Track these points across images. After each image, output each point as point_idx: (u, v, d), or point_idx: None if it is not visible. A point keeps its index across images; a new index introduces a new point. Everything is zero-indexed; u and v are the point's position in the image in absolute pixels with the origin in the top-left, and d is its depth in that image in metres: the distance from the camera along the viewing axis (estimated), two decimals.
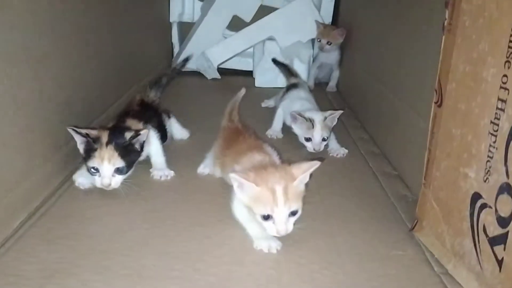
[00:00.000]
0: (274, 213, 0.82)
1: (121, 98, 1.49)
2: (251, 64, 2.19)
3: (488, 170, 0.70)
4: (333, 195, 1.09)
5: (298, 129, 1.34)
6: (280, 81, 1.99)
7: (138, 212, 0.97)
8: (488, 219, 0.70)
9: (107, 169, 1.00)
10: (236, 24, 2.10)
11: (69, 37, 1.11)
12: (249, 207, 0.85)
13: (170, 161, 1.18)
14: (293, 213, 0.84)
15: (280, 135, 1.46)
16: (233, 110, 1.20)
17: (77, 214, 0.95)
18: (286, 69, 1.80)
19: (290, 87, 1.61)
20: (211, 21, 2.07)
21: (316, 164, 0.87)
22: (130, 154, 1.04)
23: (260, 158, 0.96)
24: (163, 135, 1.26)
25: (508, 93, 0.65)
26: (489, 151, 0.70)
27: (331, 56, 1.99)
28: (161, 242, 0.86)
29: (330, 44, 1.92)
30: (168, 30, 2.22)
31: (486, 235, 0.70)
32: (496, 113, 0.68)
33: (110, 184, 1.00)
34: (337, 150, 1.34)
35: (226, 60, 2.07)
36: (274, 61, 1.87)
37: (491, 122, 0.69)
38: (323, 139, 1.30)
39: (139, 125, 1.14)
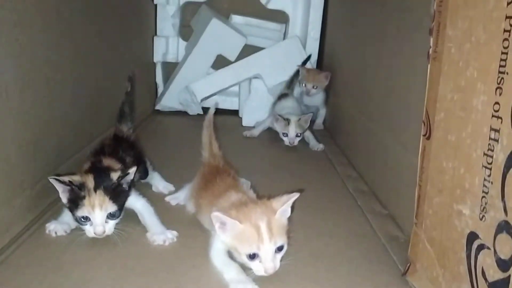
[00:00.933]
0: (261, 251, 0.79)
1: (99, 138, 1.42)
2: (237, 103, 2.15)
3: (484, 207, 0.63)
4: (320, 235, 1.02)
5: (278, 127, 1.68)
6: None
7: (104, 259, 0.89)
8: (486, 261, 0.63)
9: (99, 216, 0.91)
10: (221, 64, 2.07)
11: (40, 71, 1.05)
12: (233, 248, 0.82)
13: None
14: (279, 249, 0.81)
15: (255, 135, 1.82)
16: (211, 140, 1.13)
17: (37, 264, 0.86)
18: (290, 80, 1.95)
19: (281, 96, 1.86)
20: (195, 60, 2.04)
21: (295, 195, 0.85)
22: (120, 196, 0.96)
23: (237, 197, 0.91)
24: (144, 171, 1.22)
25: (502, 122, 0.60)
26: (484, 185, 0.63)
27: (315, 99, 1.96)
28: None
29: (316, 88, 1.89)
30: (152, 69, 2.18)
31: (486, 280, 0.63)
32: (489, 144, 0.62)
33: (104, 232, 0.92)
34: (315, 145, 1.69)
35: (210, 95, 2.02)
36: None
37: (484, 154, 0.63)
38: (297, 135, 1.64)
39: (117, 164, 1.05)
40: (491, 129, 0.62)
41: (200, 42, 2.01)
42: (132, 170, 0.97)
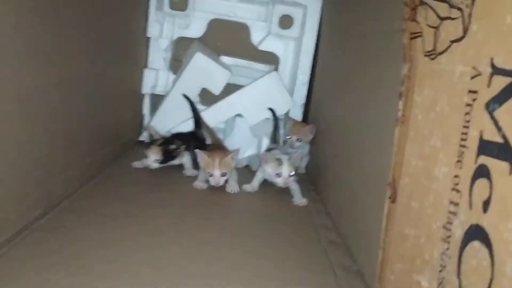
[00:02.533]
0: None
1: (76, 168, 1.40)
2: (222, 139, 2.14)
3: (441, 282, 0.62)
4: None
5: (269, 168, 1.60)
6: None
7: None
8: None
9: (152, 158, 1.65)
10: (208, 97, 2.09)
11: (25, 101, 1.04)
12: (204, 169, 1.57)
13: None
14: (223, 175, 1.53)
15: (256, 189, 1.66)
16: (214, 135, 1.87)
17: None
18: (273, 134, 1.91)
19: (269, 150, 1.79)
20: (179, 93, 2.04)
21: (236, 151, 1.62)
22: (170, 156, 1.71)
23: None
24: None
25: (460, 196, 0.59)
26: (442, 259, 0.62)
27: (299, 149, 1.95)
28: None
29: (300, 141, 1.89)
30: (139, 100, 2.18)
31: None
32: (448, 217, 0.61)
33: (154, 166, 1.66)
34: (299, 199, 1.58)
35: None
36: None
37: (443, 226, 0.62)
38: (290, 175, 1.58)
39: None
40: (450, 202, 0.61)
41: (183, 74, 2.02)
42: (182, 148, 1.71)
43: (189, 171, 1.74)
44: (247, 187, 1.65)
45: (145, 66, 2.16)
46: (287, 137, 1.92)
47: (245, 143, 2.02)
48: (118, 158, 1.82)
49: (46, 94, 1.18)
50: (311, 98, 2.14)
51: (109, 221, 1.20)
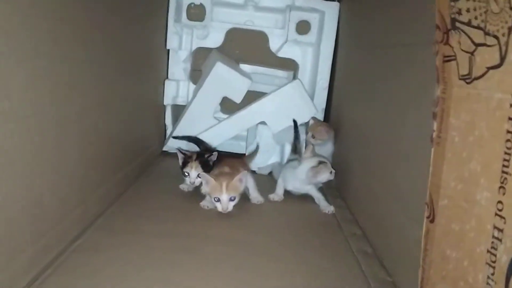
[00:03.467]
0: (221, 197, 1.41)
1: (104, 186, 1.43)
2: (244, 147, 2.17)
3: None
4: None
5: (322, 173, 1.62)
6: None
7: None
8: None
9: (194, 174, 1.63)
10: (229, 105, 2.11)
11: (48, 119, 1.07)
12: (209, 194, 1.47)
13: None
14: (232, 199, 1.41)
15: (282, 198, 1.68)
16: None
17: None
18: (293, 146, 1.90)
19: (289, 161, 1.82)
20: (200, 103, 2.07)
21: (244, 172, 1.48)
22: (206, 166, 1.68)
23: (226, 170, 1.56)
24: None
25: (505, 222, 0.60)
26: (488, 283, 0.63)
27: (322, 150, 1.97)
28: None
29: (314, 138, 1.91)
30: (161, 111, 2.22)
31: None
32: (492, 242, 0.62)
33: (194, 183, 1.63)
34: (326, 207, 1.59)
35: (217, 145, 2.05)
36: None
37: (488, 251, 0.63)
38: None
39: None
40: (495, 227, 0.62)
41: (205, 84, 2.04)
42: (214, 154, 1.70)
43: None
44: (274, 196, 1.66)
45: (166, 77, 2.19)
46: (306, 134, 1.96)
47: (267, 151, 2.05)
48: (144, 171, 1.85)
49: (81, 116, 1.22)
50: (331, 102, 2.15)
51: (145, 239, 1.23)
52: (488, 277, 0.63)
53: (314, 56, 2.16)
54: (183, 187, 1.70)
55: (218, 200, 1.39)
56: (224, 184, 1.39)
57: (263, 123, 2.05)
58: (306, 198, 1.67)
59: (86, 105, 1.25)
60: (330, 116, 2.14)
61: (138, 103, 1.84)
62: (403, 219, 1.10)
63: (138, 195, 1.59)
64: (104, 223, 1.31)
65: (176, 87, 2.21)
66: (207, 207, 1.48)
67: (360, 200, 1.55)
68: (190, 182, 1.63)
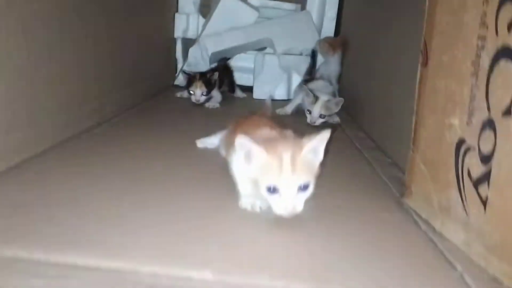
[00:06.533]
0: (281, 184, 0.72)
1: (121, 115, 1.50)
2: (251, 80, 2.22)
3: (471, 112, 0.69)
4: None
5: (306, 102, 1.60)
6: (278, 93, 2.08)
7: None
8: (472, 162, 0.68)
9: (199, 92, 1.79)
10: None
11: (65, 53, 1.14)
12: (255, 180, 0.76)
13: None
14: (303, 188, 0.74)
15: (288, 113, 1.75)
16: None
17: None
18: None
19: (306, 81, 1.87)
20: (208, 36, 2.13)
21: (327, 132, 0.76)
22: (210, 85, 1.82)
23: (269, 133, 0.85)
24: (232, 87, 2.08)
25: (487, 29, 0.65)
26: (471, 92, 0.69)
27: (331, 69, 2.01)
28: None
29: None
30: (172, 45, 2.27)
31: (471, 179, 0.68)
32: (477, 53, 0.68)
33: (199, 100, 1.79)
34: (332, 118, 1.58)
35: (220, 51, 2.10)
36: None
37: (472, 62, 0.69)
38: (321, 116, 1.54)
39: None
40: (479, 37, 0.67)
41: (213, 17, 2.10)
42: (216, 74, 1.82)
43: (211, 103, 1.83)
44: (280, 111, 1.73)
45: (176, 11, 2.24)
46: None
47: (275, 79, 2.09)
48: (156, 96, 1.92)
49: (95, 46, 1.33)
50: (339, 33, 2.19)
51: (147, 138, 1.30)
52: (472, 86, 0.68)
53: None
54: (178, 94, 1.94)
55: (275, 192, 0.74)
56: (287, 158, 0.73)
57: (270, 44, 2.10)
58: None
59: (100, 46, 1.34)
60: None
61: (149, 37, 1.89)
62: (401, 100, 1.16)
63: (148, 110, 1.66)
64: (119, 121, 1.40)
65: (186, 20, 2.25)
66: (250, 206, 0.82)
67: (362, 107, 1.60)
68: (195, 100, 1.78)
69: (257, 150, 0.74)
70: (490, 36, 0.65)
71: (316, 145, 0.76)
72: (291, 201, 0.72)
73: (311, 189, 0.75)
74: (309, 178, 0.74)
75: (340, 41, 1.99)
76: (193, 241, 0.68)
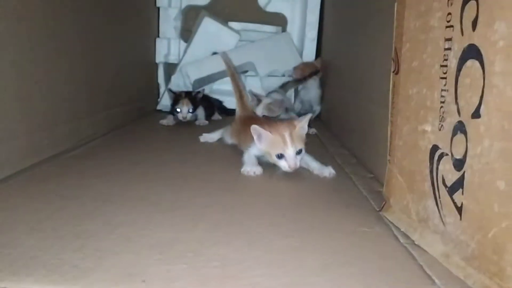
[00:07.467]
0: (285, 152, 1.09)
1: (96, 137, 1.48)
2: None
3: (442, 116, 0.66)
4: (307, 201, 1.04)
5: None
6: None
7: None
8: (446, 168, 0.65)
9: (185, 109, 1.82)
10: None
11: (36, 71, 1.12)
12: (267, 153, 1.13)
13: None
14: (299, 152, 1.10)
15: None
16: (241, 92, 1.49)
17: None
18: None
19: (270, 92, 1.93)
20: (190, 59, 2.12)
21: (308, 115, 1.18)
22: (196, 102, 1.87)
23: (269, 121, 1.26)
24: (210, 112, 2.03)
25: (453, 30, 0.63)
26: (441, 96, 0.66)
27: (311, 93, 2.01)
28: None
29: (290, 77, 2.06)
30: (154, 70, 2.26)
31: (445, 186, 0.65)
32: (444, 55, 0.66)
33: (186, 118, 1.82)
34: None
35: (202, 78, 2.09)
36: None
37: (441, 66, 0.66)
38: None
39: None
40: (445, 39, 0.65)
41: (194, 41, 2.10)
42: (201, 93, 1.89)
43: (201, 121, 1.90)
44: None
45: (157, 36, 2.24)
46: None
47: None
48: (135, 121, 1.88)
49: (71, 74, 1.32)
50: (320, 52, 2.19)
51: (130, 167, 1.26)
52: (442, 90, 0.66)
53: (302, 9, 2.20)
54: (164, 122, 1.84)
55: (282, 157, 1.10)
56: (287, 135, 1.09)
57: (252, 67, 2.10)
58: None
59: (75, 65, 1.33)
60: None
61: (130, 62, 1.88)
62: (371, 110, 1.14)
63: (127, 134, 1.63)
64: (97, 144, 1.36)
65: (168, 45, 2.25)
66: (254, 173, 1.13)
67: (342, 122, 1.58)
68: (182, 117, 1.79)
69: (265, 133, 1.12)
70: (456, 37, 0.63)
71: (303, 124, 1.15)
72: (293, 161, 1.09)
73: (303, 152, 1.13)
74: (302, 145, 1.13)
75: (313, 66, 1.99)
76: (155, 263, 0.64)
